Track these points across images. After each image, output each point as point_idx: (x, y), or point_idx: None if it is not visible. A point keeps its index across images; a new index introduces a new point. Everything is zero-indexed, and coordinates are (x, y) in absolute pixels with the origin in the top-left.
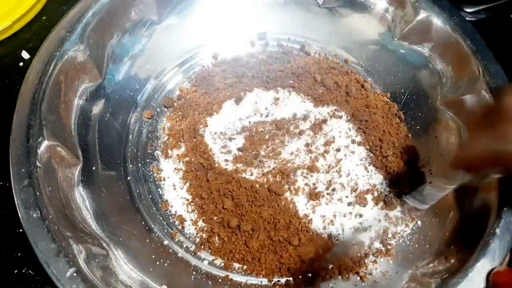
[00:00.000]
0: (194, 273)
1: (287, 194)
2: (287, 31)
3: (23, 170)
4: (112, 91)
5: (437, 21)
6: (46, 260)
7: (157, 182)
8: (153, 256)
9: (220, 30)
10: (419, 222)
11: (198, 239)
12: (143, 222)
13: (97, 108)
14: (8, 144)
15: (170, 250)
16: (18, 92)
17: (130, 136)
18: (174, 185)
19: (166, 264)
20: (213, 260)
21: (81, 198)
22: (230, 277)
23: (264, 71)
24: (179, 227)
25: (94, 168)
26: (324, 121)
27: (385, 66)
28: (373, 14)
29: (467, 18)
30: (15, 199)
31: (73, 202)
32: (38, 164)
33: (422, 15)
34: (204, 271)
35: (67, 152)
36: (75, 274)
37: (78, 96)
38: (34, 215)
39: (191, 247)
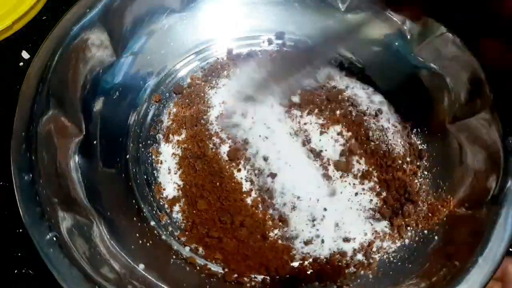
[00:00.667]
0: (174, 257)
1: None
2: (306, 34)
3: (23, 133)
4: (125, 71)
5: (456, 40)
6: (29, 222)
7: (154, 164)
8: (137, 235)
9: (238, 24)
10: (406, 240)
11: (183, 225)
12: (133, 201)
13: (107, 85)
14: (9, 144)
15: (155, 232)
16: (18, 92)
17: (136, 116)
18: (169, 169)
19: (148, 245)
20: (195, 247)
21: (75, 168)
22: (208, 266)
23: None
24: (168, 211)
25: (94, 142)
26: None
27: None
28: (391, 24)
29: None
30: (11, 162)
31: (67, 171)
32: (39, 130)
33: (441, 30)
34: (184, 256)
35: (70, 123)
36: (54, 239)
37: (89, 71)
38: (25, 177)
39: (175, 232)
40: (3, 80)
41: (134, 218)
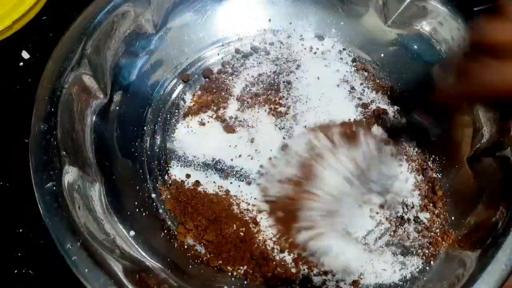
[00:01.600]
0: (165, 231)
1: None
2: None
3: (49, 86)
4: (159, 47)
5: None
6: (34, 168)
7: (167, 138)
8: (135, 203)
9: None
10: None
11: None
12: (140, 170)
13: (139, 60)
14: (9, 144)
15: (154, 204)
16: (18, 92)
17: (162, 91)
18: (183, 151)
19: (143, 215)
20: (189, 228)
21: (91, 127)
22: (196, 247)
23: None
24: (171, 187)
25: (116, 108)
26: None
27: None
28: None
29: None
30: (34, 110)
31: (83, 128)
32: (65, 85)
33: None
34: (175, 233)
35: (97, 85)
36: (53, 188)
37: (124, 42)
38: (42, 127)
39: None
40: (3, 80)
41: (136, 187)
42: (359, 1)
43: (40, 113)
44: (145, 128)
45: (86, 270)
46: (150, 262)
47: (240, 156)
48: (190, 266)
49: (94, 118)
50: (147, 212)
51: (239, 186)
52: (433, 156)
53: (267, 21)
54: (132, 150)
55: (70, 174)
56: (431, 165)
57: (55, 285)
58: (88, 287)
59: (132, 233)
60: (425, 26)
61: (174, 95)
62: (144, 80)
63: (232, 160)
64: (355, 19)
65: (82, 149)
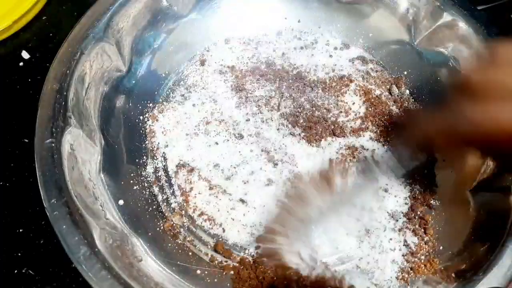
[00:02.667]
0: (154, 206)
1: None
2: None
3: (69, 49)
4: (184, 29)
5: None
6: (38, 123)
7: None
8: (131, 174)
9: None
10: None
11: (177, 191)
12: (143, 145)
13: (161, 38)
14: (8, 144)
15: (148, 179)
16: (18, 92)
17: (180, 74)
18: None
19: (135, 187)
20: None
21: (102, 96)
22: (181, 231)
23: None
24: (169, 171)
25: (133, 82)
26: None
27: None
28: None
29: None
30: (50, 69)
31: (95, 95)
32: (84, 51)
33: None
34: (163, 210)
35: (118, 57)
36: (52, 145)
37: (149, 16)
38: (54, 86)
39: (167, 189)
40: (3, 80)
41: (136, 160)
42: (388, 14)
43: (55, 73)
44: (156, 105)
45: (64, 226)
46: (130, 233)
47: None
48: (170, 244)
49: (107, 88)
50: (139, 186)
51: None
52: (434, 184)
53: (296, 22)
54: (138, 124)
55: (72, 135)
56: (428, 192)
57: (55, 285)
58: (62, 243)
59: (121, 202)
60: (450, 50)
61: (189, 80)
62: (162, 59)
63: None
64: (380, 32)
65: (89, 114)
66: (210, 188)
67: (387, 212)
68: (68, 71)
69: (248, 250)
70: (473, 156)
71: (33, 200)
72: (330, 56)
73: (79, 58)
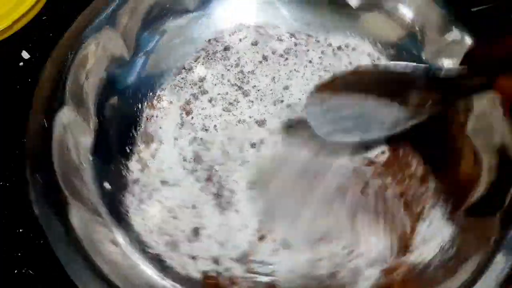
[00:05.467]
0: (136, 195)
1: None
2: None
3: (72, 38)
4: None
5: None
6: (35, 104)
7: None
8: (121, 160)
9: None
10: None
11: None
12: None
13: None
14: (9, 144)
15: (139, 169)
16: (18, 92)
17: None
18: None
19: (124, 173)
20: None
21: (103, 79)
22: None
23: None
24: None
25: (137, 71)
26: None
27: None
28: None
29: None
30: (50, 58)
31: (94, 81)
32: (91, 35)
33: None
34: (142, 200)
35: (123, 43)
36: (43, 123)
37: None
38: (55, 69)
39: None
40: (3, 80)
41: (129, 147)
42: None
43: (57, 54)
44: (155, 95)
45: (43, 201)
46: (111, 219)
47: None
48: (143, 233)
49: (108, 75)
50: (127, 172)
51: None
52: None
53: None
54: (136, 113)
55: (66, 116)
56: None
57: (55, 285)
58: (35, 210)
59: (106, 185)
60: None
61: (195, 76)
62: (167, 51)
63: None
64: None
65: (87, 98)
66: None
67: None
68: (70, 54)
69: None
70: (467, 162)
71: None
72: (339, 59)
73: (83, 42)
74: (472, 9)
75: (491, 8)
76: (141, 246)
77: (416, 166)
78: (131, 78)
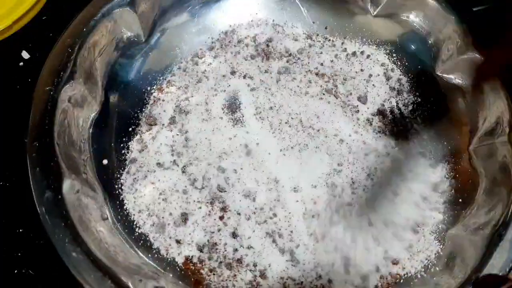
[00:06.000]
0: (133, 174)
1: None
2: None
3: (81, 26)
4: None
5: None
6: (44, 76)
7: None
8: (123, 139)
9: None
10: None
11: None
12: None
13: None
14: (8, 144)
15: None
16: (18, 92)
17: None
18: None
19: (122, 152)
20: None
21: (112, 61)
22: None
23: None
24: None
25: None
26: None
27: None
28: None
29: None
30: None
31: (101, 62)
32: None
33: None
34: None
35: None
36: (52, 96)
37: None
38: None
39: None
40: (3, 80)
41: (132, 127)
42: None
43: (72, 30)
44: (165, 79)
45: (38, 169)
46: (100, 190)
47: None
48: (132, 211)
49: (120, 54)
50: (127, 151)
51: None
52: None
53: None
54: (144, 94)
55: (73, 88)
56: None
57: (55, 285)
58: (31, 183)
59: (105, 161)
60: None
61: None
62: (182, 37)
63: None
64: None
65: (97, 74)
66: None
67: None
68: (85, 30)
69: None
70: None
71: (33, 200)
72: (351, 65)
73: (99, 20)
74: (474, 9)
75: (491, 8)
76: (129, 225)
77: None
78: (143, 60)
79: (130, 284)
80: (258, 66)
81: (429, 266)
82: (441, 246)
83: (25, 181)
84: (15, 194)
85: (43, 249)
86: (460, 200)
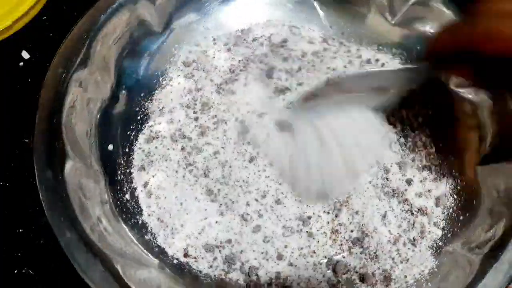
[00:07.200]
0: (135, 166)
1: None
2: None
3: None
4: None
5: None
6: (55, 64)
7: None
8: (131, 127)
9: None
10: None
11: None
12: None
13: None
14: (8, 144)
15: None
16: (18, 92)
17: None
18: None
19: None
20: None
21: (118, 53)
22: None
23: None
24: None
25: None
26: None
27: None
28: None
29: None
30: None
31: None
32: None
33: None
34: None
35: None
36: (64, 75)
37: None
38: (81, 33)
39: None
40: (3, 80)
41: (140, 116)
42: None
43: (89, 19)
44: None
45: (42, 147)
46: (102, 174)
47: None
48: (131, 198)
49: (134, 44)
50: (133, 137)
51: None
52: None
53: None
54: (155, 85)
55: (85, 74)
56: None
57: (55, 285)
58: (35, 169)
59: (110, 147)
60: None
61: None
62: (198, 32)
63: None
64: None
65: (109, 64)
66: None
67: None
68: (102, 17)
69: None
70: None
71: (33, 200)
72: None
73: (116, 8)
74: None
75: None
76: (128, 211)
77: None
78: (156, 52)
79: (119, 269)
80: None
81: (422, 281)
82: (436, 262)
83: (25, 181)
84: (15, 194)
85: (43, 249)
86: (461, 217)
